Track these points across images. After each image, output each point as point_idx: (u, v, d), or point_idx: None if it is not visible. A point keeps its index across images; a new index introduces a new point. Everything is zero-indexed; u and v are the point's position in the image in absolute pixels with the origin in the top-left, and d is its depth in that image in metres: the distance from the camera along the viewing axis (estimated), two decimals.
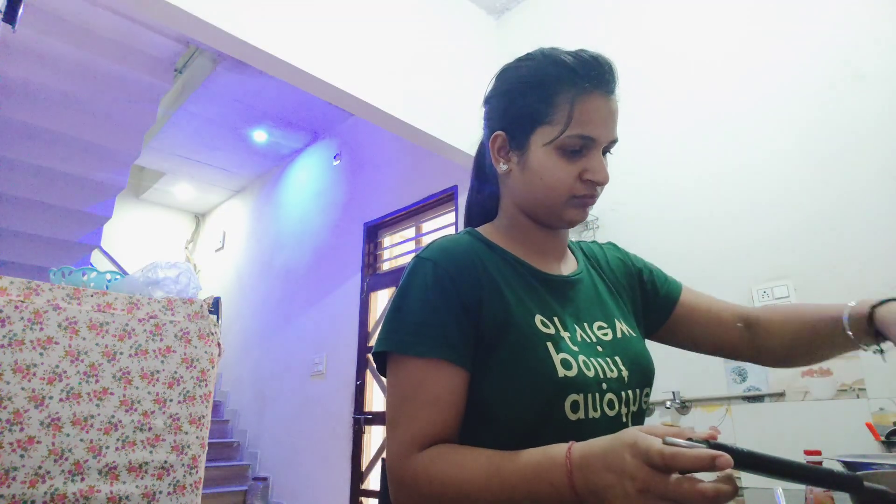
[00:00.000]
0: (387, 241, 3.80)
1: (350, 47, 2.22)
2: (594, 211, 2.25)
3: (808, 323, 0.77)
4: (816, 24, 1.84)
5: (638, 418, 0.71)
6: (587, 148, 0.69)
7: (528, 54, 0.74)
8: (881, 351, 0.69)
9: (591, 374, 0.65)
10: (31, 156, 3.55)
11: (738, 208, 1.89)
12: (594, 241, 0.92)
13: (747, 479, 1.66)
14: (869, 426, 1.36)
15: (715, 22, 2.10)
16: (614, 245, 0.93)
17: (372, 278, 3.68)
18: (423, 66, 2.51)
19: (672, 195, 2.08)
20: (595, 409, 0.64)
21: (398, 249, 3.70)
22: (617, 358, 0.69)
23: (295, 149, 4.95)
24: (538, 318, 0.67)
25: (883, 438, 1.33)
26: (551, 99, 0.68)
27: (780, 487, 1.21)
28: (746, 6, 2.02)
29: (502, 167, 0.74)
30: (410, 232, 3.70)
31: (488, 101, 0.78)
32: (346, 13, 2.25)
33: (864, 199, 1.64)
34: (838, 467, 0.84)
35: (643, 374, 0.72)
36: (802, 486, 1.21)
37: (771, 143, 1.86)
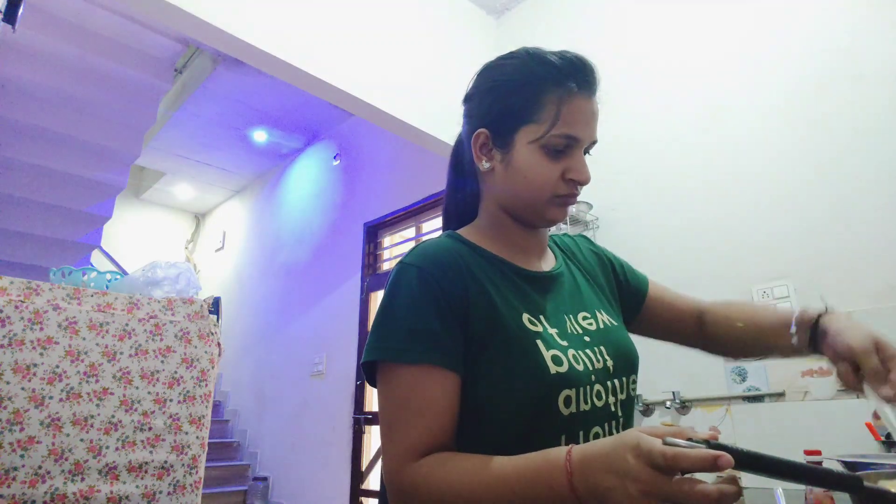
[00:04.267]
0: (387, 241, 3.80)
1: (350, 47, 2.22)
2: (594, 211, 2.26)
3: (754, 322, 0.81)
4: (816, 24, 1.84)
5: (626, 406, 0.71)
6: (570, 147, 0.69)
7: (511, 53, 0.74)
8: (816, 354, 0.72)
9: (580, 367, 0.65)
10: (31, 156, 3.55)
11: (738, 208, 1.89)
12: (565, 234, 0.93)
13: (747, 479, 1.65)
14: (869, 426, 1.36)
15: (715, 22, 2.10)
16: (585, 237, 0.94)
17: (372, 278, 3.68)
18: (423, 66, 2.51)
19: (672, 195, 2.08)
20: (586, 402, 0.65)
21: (398, 249, 3.70)
22: (602, 348, 0.70)
23: (295, 149, 4.95)
24: (525, 317, 0.67)
25: (883, 438, 1.32)
26: (538, 98, 0.68)
27: (780, 487, 1.21)
28: (747, 7, 2.02)
29: (485, 165, 0.74)
30: (410, 232, 3.70)
31: (469, 98, 0.77)
32: (346, 14, 2.25)
33: (864, 199, 1.64)
34: (838, 467, 0.84)
35: (627, 362, 0.72)
36: (802, 486, 1.21)
37: (771, 143, 1.86)
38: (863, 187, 1.64)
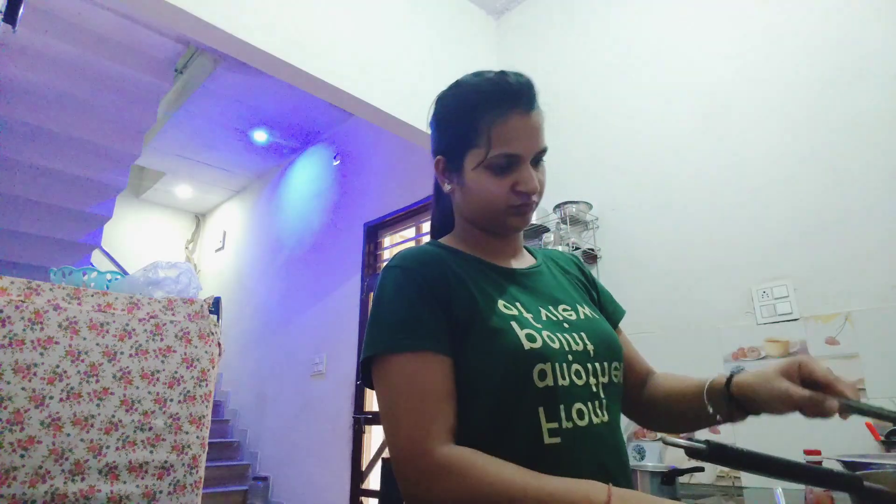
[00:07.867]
0: (387, 241, 3.80)
1: (350, 47, 2.22)
2: (594, 211, 2.26)
3: (676, 390, 0.81)
4: (816, 24, 1.84)
5: (609, 389, 0.73)
6: (514, 164, 0.73)
7: (457, 81, 0.81)
8: (729, 421, 0.71)
9: (555, 345, 0.69)
10: (31, 156, 3.55)
11: (738, 208, 1.89)
12: (554, 250, 0.99)
13: (747, 479, 1.66)
14: (869, 426, 1.36)
15: (714, 22, 2.10)
16: (575, 256, 0.98)
17: (372, 278, 3.67)
18: (423, 66, 2.51)
19: (672, 195, 2.08)
20: (563, 378, 0.68)
21: (398, 249, 3.69)
22: (582, 334, 0.73)
23: (295, 149, 4.95)
24: (500, 303, 0.72)
25: (883, 438, 1.33)
26: (474, 125, 0.74)
27: (780, 487, 1.22)
28: (747, 6, 2.02)
29: (446, 187, 0.82)
30: (410, 232, 3.70)
31: (430, 125, 0.85)
32: (346, 14, 2.25)
33: (864, 199, 1.64)
34: (838, 467, 0.84)
35: (609, 349, 0.75)
36: (802, 486, 1.21)
37: (771, 143, 1.86)
38: (863, 187, 1.64)
